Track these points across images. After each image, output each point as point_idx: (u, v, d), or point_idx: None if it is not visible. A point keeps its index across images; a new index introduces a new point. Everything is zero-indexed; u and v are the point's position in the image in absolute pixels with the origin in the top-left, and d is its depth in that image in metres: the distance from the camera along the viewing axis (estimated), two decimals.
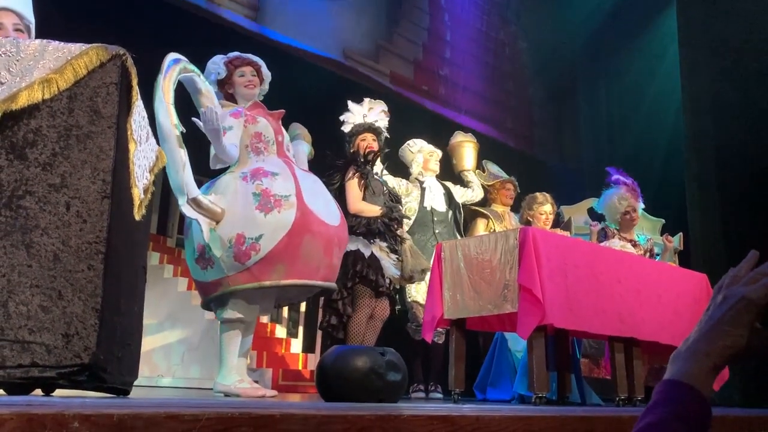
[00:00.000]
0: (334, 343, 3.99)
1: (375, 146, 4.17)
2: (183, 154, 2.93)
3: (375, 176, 4.15)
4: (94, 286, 1.91)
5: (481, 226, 5.07)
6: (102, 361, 1.90)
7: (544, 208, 4.57)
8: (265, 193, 3.07)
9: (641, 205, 4.68)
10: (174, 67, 2.97)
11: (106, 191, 1.98)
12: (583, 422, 2.14)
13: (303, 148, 3.65)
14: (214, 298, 3.17)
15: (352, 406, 1.84)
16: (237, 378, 3.11)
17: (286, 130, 3.57)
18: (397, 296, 4.32)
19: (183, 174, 2.92)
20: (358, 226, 3.85)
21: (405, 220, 4.22)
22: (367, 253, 3.83)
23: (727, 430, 2.61)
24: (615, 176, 4.64)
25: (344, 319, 3.83)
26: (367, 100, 4.38)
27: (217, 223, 3.03)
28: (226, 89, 3.51)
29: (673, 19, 6.87)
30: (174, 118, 2.91)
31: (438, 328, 3.78)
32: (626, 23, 7.69)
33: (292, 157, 3.42)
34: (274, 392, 3.24)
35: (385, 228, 3.91)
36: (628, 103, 7.80)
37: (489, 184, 5.23)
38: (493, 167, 5.30)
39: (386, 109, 4.40)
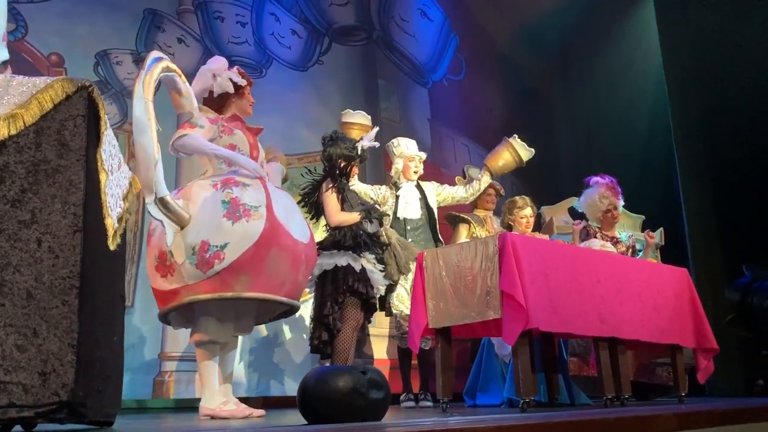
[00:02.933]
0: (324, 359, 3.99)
1: (353, 175, 4.19)
2: (156, 152, 2.84)
3: (350, 189, 4.16)
4: (70, 322, 1.89)
5: (463, 232, 5.08)
6: (81, 397, 1.88)
7: (524, 212, 4.59)
8: (234, 201, 3.01)
9: (621, 203, 4.72)
10: (156, 65, 2.93)
11: (78, 225, 1.96)
12: (570, 427, 2.15)
13: (276, 168, 3.64)
14: (172, 309, 3.05)
15: (335, 428, 1.83)
16: (221, 400, 3.07)
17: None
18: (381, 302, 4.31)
19: (154, 172, 2.82)
20: (344, 240, 3.84)
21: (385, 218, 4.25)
22: (357, 267, 3.82)
23: (727, 421, 2.64)
24: (594, 178, 4.68)
25: (335, 334, 3.81)
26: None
27: (182, 228, 2.94)
28: (214, 98, 3.43)
29: (650, 14, 6.95)
30: (152, 115, 2.84)
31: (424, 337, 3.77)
32: (602, 15, 7.75)
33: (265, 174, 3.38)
34: (261, 411, 3.19)
35: (371, 240, 3.90)
36: (605, 100, 7.86)
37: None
38: (474, 172, 5.31)
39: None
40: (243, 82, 3.43)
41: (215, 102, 3.41)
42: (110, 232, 2.17)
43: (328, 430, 1.73)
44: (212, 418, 3.02)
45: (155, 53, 3.01)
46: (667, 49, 6.61)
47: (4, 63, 2.44)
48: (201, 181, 3.17)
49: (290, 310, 3.36)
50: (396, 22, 6.86)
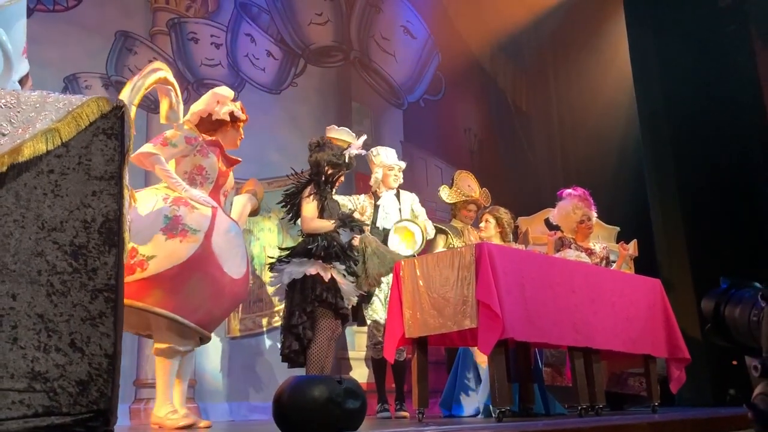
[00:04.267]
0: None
1: (341, 177, 4.18)
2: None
3: (332, 198, 4.14)
4: (107, 333, 1.97)
5: (440, 242, 5.09)
6: (113, 407, 1.95)
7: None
8: (176, 219, 3.08)
9: (594, 214, 4.78)
10: (153, 74, 2.96)
11: (113, 240, 2.03)
12: None
13: (242, 199, 3.67)
14: None
15: None
16: (170, 409, 3.10)
17: None
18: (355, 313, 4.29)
19: None
20: (316, 249, 3.82)
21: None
22: (326, 277, 3.79)
23: (698, 430, 2.67)
24: (567, 190, 4.73)
25: (305, 343, 3.78)
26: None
27: None
28: (211, 121, 3.48)
29: (622, 31, 7.07)
30: (132, 119, 2.89)
31: (399, 347, 3.77)
32: (576, 31, 7.87)
33: (228, 204, 3.48)
34: (207, 423, 3.23)
35: (342, 252, 3.88)
36: (580, 114, 7.98)
37: (452, 202, 5.24)
38: (464, 183, 5.29)
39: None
40: (242, 117, 3.55)
41: (210, 125, 3.49)
42: (127, 246, 2.26)
43: None
44: (160, 427, 3.05)
45: (158, 64, 3.08)
46: (637, 66, 6.74)
47: (26, 75, 2.49)
48: (156, 188, 3.25)
49: (202, 339, 3.36)
50: (376, 40, 6.80)
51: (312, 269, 3.79)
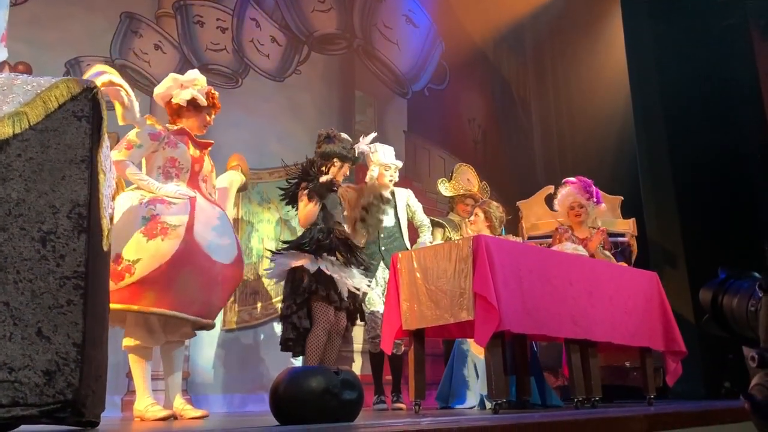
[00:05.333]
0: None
1: (340, 176, 4.14)
2: None
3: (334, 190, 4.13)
4: (75, 322, 1.91)
5: (438, 236, 5.08)
6: (83, 396, 1.90)
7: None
8: (154, 219, 3.08)
9: (592, 203, 4.74)
10: (97, 79, 2.89)
11: (83, 225, 1.97)
12: (541, 428, 2.16)
13: (228, 178, 3.66)
14: None
15: (306, 429, 1.81)
16: (149, 402, 3.13)
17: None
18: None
19: None
20: (309, 242, 3.83)
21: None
22: (312, 269, 3.79)
23: (694, 423, 2.67)
24: (569, 179, 4.75)
25: (302, 331, 3.79)
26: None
27: None
28: (171, 105, 3.48)
29: (619, 24, 7.05)
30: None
31: (397, 339, 3.77)
32: (574, 23, 7.86)
33: (210, 187, 3.46)
34: (204, 412, 3.26)
35: (342, 244, 3.87)
36: (578, 105, 7.97)
37: (449, 196, 5.23)
38: (462, 176, 5.26)
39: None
40: (203, 103, 3.47)
41: (174, 110, 3.48)
42: (105, 232, 2.19)
43: (300, 431, 1.71)
44: (141, 420, 3.08)
45: (99, 67, 3.06)
46: (634, 57, 6.73)
47: (1, 63, 2.44)
48: (130, 193, 3.24)
49: (204, 327, 3.40)
50: (379, 29, 6.74)
51: (298, 262, 3.80)
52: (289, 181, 4.01)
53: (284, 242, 4.13)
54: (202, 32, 5.44)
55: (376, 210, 3.88)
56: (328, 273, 3.80)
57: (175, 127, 3.45)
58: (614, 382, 4.88)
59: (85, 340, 1.91)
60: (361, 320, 4.20)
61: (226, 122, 5.09)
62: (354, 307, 4.02)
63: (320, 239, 3.80)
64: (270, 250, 4.09)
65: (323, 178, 3.90)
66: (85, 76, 2.93)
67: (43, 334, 1.86)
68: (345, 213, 4.06)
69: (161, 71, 4.52)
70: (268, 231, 5.27)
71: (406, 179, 5.30)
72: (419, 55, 7.09)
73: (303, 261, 3.81)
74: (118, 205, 3.10)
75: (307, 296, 3.78)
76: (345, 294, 3.88)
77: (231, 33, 5.58)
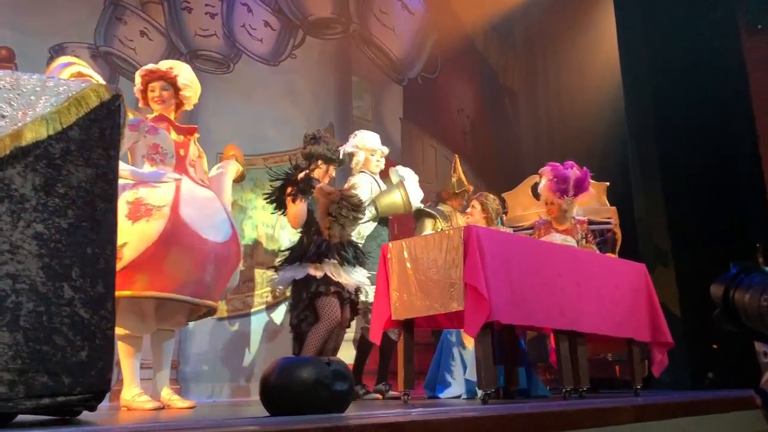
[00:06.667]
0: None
1: (326, 178, 4.12)
2: None
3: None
4: (107, 317, 2.04)
5: (428, 225, 5.06)
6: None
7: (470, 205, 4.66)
8: (137, 201, 3.08)
9: (570, 196, 4.64)
10: (63, 71, 2.90)
11: (111, 226, 2.11)
12: (530, 418, 2.17)
13: (225, 167, 3.65)
14: None
15: (297, 420, 1.81)
16: (136, 392, 3.12)
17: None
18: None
19: None
20: (308, 251, 3.84)
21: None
22: (319, 275, 3.80)
23: (680, 413, 2.70)
24: (546, 168, 4.68)
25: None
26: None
27: None
28: (144, 98, 3.53)
29: (611, 15, 7.04)
30: None
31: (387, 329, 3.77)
32: (565, 14, 7.85)
33: (201, 173, 3.46)
34: (191, 403, 3.27)
35: (333, 247, 3.85)
36: (566, 95, 7.98)
37: (459, 191, 5.13)
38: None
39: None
40: (152, 96, 3.46)
41: (144, 101, 3.53)
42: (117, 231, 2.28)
43: (290, 422, 1.70)
44: (128, 409, 3.08)
45: (66, 58, 3.05)
46: (624, 50, 6.73)
47: None
48: None
49: (210, 310, 3.40)
50: (375, 14, 6.70)
51: (300, 273, 3.82)
52: (273, 185, 3.95)
53: (283, 250, 4.14)
54: (190, 18, 5.36)
55: (343, 219, 3.78)
56: (334, 278, 3.83)
57: (154, 115, 3.44)
58: (596, 375, 4.90)
59: (113, 335, 2.07)
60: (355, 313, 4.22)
61: (220, 108, 5.05)
62: (357, 299, 4.08)
63: (318, 246, 3.81)
64: (273, 266, 4.10)
65: (300, 175, 3.87)
66: (52, 67, 2.93)
67: (78, 328, 1.97)
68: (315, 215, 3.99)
69: (147, 58, 4.46)
70: (262, 217, 5.24)
71: (401, 167, 5.25)
72: (414, 42, 7.06)
73: (304, 271, 3.82)
74: None
75: (313, 300, 3.80)
76: (351, 291, 3.96)
77: (221, 18, 5.51)
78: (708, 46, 6.04)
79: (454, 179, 5.07)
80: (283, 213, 4.00)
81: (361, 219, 3.94)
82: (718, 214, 5.83)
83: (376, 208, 4.54)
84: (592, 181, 5.41)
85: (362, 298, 4.26)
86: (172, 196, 3.13)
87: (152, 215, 3.03)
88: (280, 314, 5.19)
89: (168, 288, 3.04)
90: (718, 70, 5.96)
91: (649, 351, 4.14)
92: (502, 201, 5.71)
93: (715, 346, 5.30)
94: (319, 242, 3.83)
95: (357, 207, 3.75)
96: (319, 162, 4.04)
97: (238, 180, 3.85)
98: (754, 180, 5.73)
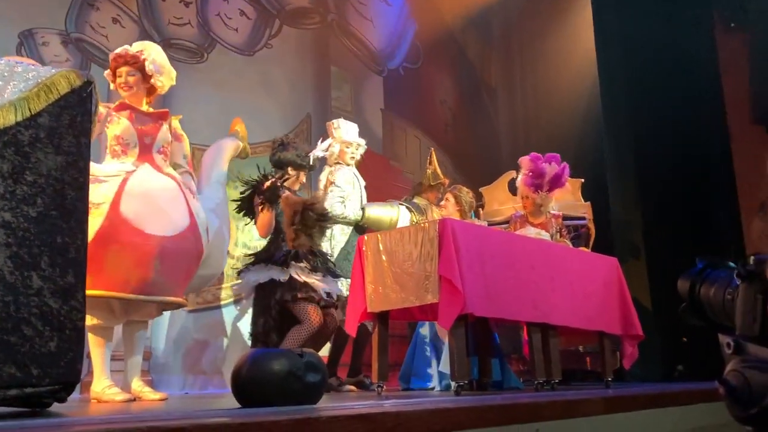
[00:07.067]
0: None
1: (297, 185, 4.08)
2: None
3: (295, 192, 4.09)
4: (77, 308, 2.01)
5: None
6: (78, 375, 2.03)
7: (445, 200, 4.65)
8: None
9: (539, 196, 4.65)
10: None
11: (81, 216, 2.08)
12: (502, 410, 2.19)
13: (221, 145, 3.57)
14: None
15: (269, 411, 1.80)
16: (107, 384, 3.08)
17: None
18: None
19: None
20: (275, 255, 3.78)
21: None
22: (283, 278, 3.72)
23: (650, 405, 2.74)
24: (525, 158, 4.69)
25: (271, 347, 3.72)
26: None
27: None
28: (114, 81, 3.45)
29: (589, 12, 7.09)
30: None
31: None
32: (543, 8, 7.88)
33: (179, 157, 3.40)
34: (163, 395, 3.23)
35: (306, 255, 3.78)
36: (543, 90, 8.02)
37: (434, 183, 5.12)
38: (440, 164, 5.09)
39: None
40: (119, 82, 3.36)
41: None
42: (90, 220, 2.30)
43: (262, 414, 1.69)
44: (98, 401, 3.04)
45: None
46: (600, 46, 6.78)
47: None
48: None
49: (175, 305, 3.36)
50: (353, 4, 6.64)
51: (263, 276, 3.75)
52: (242, 194, 3.89)
53: (248, 255, 4.05)
54: (163, 6, 5.28)
55: (308, 230, 3.73)
56: (301, 279, 3.73)
57: (116, 104, 3.36)
58: (569, 366, 4.96)
59: (84, 325, 2.05)
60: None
61: (193, 98, 4.98)
62: (336, 306, 3.97)
63: (288, 252, 3.73)
64: (242, 265, 3.98)
65: (267, 184, 3.80)
66: None
67: (47, 319, 1.94)
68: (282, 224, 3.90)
69: (119, 46, 4.38)
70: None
71: (383, 158, 5.24)
72: (393, 33, 7.02)
73: (269, 275, 3.73)
74: None
75: (281, 309, 3.70)
76: (324, 295, 3.82)
77: (195, 7, 5.43)
78: (683, 44, 6.11)
79: (429, 172, 5.04)
80: (253, 221, 3.92)
81: (326, 228, 3.89)
82: (691, 209, 5.92)
83: (363, 214, 4.49)
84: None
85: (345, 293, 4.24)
86: (115, 191, 3.05)
87: (89, 213, 2.98)
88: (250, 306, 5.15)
89: (109, 286, 2.96)
90: (693, 68, 6.04)
91: (620, 343, 4.20)
92: (480, 195, 5.74)
93: (684, 340, 5.39)
94: (287, 249, 3.76)
95: (321, 217, 3.70)
96: (289, 169, 4.00)
97: (242, 157, 3.78)
98: (725, 177, 5.82)
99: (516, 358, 4.81)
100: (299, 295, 3.72)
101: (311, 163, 4.09)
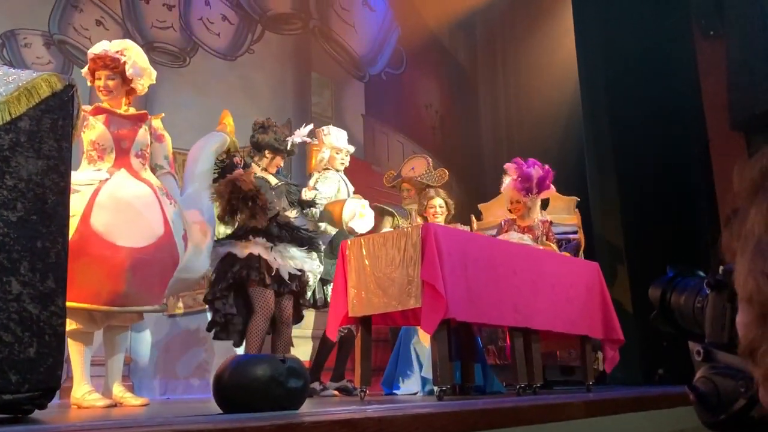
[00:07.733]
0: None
1: (272, 168, 4.07)
2: None
3: (281, 179, 4.07)
4: (58, 313, 2.01)
5: (387, 223, 5.07)
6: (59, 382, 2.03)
7: (434, 202, 4.62)
8: None
9: (531, 197, 4.71)
10: None
11: (62, 220, 2.06)
12: (484, 415, 2.20)
13: (209, 140, 3.55)
14: None
15: (251, 417, 1.80)
16: (87, 389, 3.04)
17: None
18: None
19: None
20: (239, 230, 3.77)
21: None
22: (241, 254, 3.70)
23: (632, 408, 2.77)
24: (511, 166, 4.73)
25: (228, 317, 3.68)
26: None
27: None
28: (91, 81, 3.37)
29: (568, 8, 7.15)
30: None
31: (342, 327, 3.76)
32: (525, 13, 7.93)
33: (161, 158, 3.36)
34: (144, 400, 3.20)
35: (278, 225, 3.78)
36: (525, 95, 8.07)
37: (389, 185, 5.14)
38: (407, 166, 5.09)
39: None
40: (98, 81, 3.29)
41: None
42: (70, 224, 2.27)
43: (244, 419, 1.69)
44: (78, 407, 3.00)
45: None
46: (581, 51, 6.84)
47: None
48: None
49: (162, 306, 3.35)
50: (336, 10, 6.66)
51: (223, 250, 3.75)
52: (215, 180, 3.82)
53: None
54: (147, 9, 5.26)
55: (240, 209, 3.66)
56: (263, 257, 3.71)
57: (92, 108, 3.30)
58: (569, 363, 5.00)
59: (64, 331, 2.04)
60: (313, 306, 4.16)
61: (174, 101, 4.95)
62: (300, 289, 3.93)
63: (246, 226, 3.70)
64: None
65: (227, 162, 3.76)
66: None
67: (26, 324, 1.92)
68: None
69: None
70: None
71: (364, 163, 5.24)
72: (376, 39, 7.04)
73: (228, 249, 3.73)
74: None
75: (237, 282, 3.69)
76: (285, 276, 3.79)
77: (178, 10, 5.42)
78: (662, 50, 6.19)
79: (435, 173, 5.10)
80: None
81: (261, 208, 3.79)
82: (671, 214, 5.99)
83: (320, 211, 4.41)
84: (561, 195, 5.53)
85: (314, 293, 4.22)
86: (86, 203, 2.99)
87: None
88: None
89: (81, 299, 2.90)
90: (673, 74, 6.11)
91: (601, 348, 4.24)
92: (479, 212, 5.78)
93: (664, 344, 5.45)
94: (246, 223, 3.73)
95: (248, 197, 3.60)
96: (266, 152, 3.99)
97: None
98: (704, 182, 5.89)
99: (493, 350, 4.81)
100: (254, 276, 3.69)
101: (289, 148, 4.06)
